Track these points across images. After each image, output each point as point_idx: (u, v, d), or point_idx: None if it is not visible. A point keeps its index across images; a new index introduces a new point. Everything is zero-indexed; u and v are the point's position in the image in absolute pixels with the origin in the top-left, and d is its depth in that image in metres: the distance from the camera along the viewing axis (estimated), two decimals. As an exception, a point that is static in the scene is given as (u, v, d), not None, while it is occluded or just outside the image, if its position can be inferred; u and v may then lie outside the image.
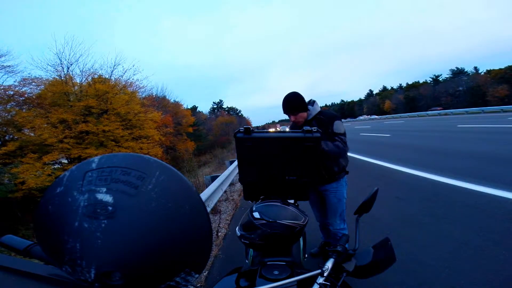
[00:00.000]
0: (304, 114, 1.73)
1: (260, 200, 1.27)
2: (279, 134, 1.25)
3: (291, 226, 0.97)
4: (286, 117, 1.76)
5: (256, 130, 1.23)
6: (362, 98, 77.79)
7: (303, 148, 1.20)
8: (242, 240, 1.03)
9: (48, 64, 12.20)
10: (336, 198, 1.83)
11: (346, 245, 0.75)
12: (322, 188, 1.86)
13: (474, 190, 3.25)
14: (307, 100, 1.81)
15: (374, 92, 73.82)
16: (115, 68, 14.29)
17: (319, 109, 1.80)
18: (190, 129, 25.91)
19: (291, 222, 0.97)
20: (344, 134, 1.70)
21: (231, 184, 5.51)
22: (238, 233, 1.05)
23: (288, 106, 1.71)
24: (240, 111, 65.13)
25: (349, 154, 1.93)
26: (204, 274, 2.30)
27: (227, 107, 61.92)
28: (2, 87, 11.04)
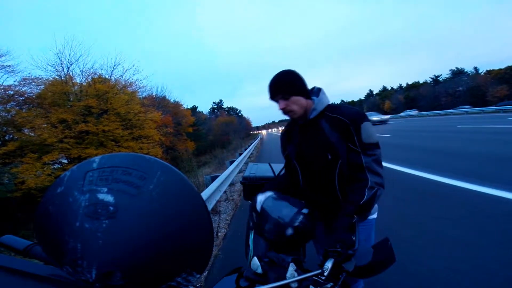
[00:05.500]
0: (302, 101, 1.02)
1: None
2: None
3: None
4: (287, 117, 1.14)
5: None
6: (362, 98, 77.87)
7: None
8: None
9: (48, 64, 12.28)
10: None
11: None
12: None
13: (474, 190, 3.25)
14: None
15: (374, 92, 73.88)
16: (115, 68, 14.35)
17: (328, 101, 1.08)
18: (190, 129, 25.96)
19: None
20: (378, 146, 0.99)
21: (231, 184, 5.50)
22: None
23: (276, 84, 1.01)
24: (240, 111, 65.22)
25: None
26: (204, 274, 2.30)
27: (227, 107, 62.03)
28: (2, 87, 11.06)
